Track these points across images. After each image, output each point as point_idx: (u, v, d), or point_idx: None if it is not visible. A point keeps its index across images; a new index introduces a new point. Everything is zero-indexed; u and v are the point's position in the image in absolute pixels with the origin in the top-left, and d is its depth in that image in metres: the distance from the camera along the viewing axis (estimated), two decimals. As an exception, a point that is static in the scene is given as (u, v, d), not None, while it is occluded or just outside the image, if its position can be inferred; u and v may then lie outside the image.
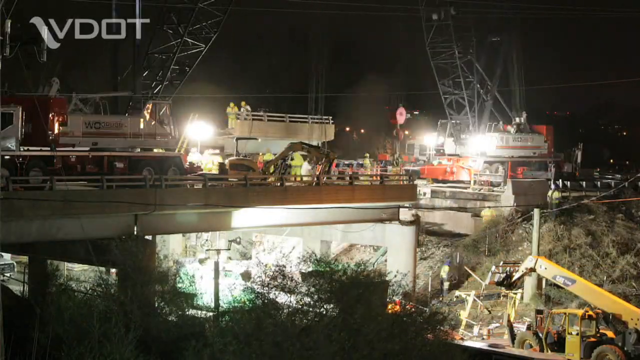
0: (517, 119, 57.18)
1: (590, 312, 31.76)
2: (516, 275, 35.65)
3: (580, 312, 31.99)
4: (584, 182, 53.44)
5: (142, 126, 35.30)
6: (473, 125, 54.58)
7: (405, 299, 25.72)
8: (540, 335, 32.09)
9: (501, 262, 37.43)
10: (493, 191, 49.87)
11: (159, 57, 40.00)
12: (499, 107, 57.55)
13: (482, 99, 55.31)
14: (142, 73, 39.18)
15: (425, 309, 25.70)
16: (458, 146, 55.12)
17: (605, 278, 37.88)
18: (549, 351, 31.80)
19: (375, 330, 21.67)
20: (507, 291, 36.38)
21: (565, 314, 32.28)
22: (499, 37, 55.69)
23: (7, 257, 40.66)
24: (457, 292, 38.71)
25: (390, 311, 24.79)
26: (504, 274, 35.69)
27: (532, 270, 35.30)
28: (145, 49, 39.38)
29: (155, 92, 38.86)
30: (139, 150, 35.13)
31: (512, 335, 33.05)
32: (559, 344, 31.77)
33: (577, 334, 31.16)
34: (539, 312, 33.65)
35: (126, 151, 34.35)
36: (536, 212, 38.72)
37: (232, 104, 53.62)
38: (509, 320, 33.98)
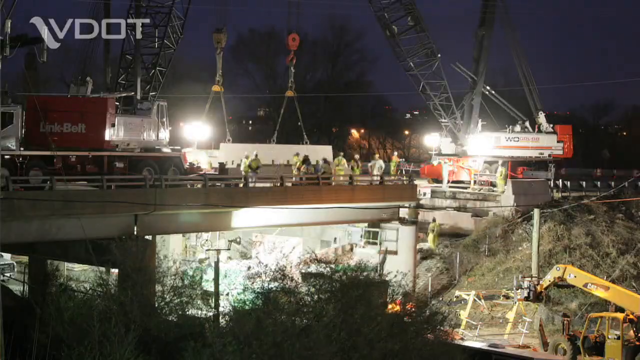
0: (521, 120, 56.93)
1: (632, 316, 31.04)
2: (545, 286, 35.29)
3: (621, 315, 31.22)
4: (584, 182, 53.49)
5: (143, 126, 35.30)
6: (462, 125, 54.33)
7: (405, 299, 25.67)
8: (576, 339, 31.53)
9: (520, 277, 36.95)
10: (493, 191, 49.89)
11: (132, 58, 40.82)
12: (517, 106, 57.27)
13: (470, 98, 54.95)
14: (120, 74, 40.01)
15: (425, 309, 25.64)
16: (457, 146, 54.99)
17: (605, 278, 37.85)
18: (587, 356, 31.36)
19: (375, 330, 21.67)
20: (536, 304, 36.14)
21: (607, 318, 31.57)
22: (484, 32, 55.12)
23: (7, 257, 40.65)
24: (457, 292, 38.71)
25: (390, 311, 24.78)
26: (527, 289, 35.35)
27: (561, 279, 34.78)
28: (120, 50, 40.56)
29: (146, 91, 39.30)
30: (138, 150, 35.13)
31: (544, 341, 32.73)
32: (596, 349, 31.27)
33: (618, 338, 30.54)
34: (565, 315, 33.44)
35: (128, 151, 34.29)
36: (536, 212, 38.70)
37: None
38: (540, 325, 33.73)
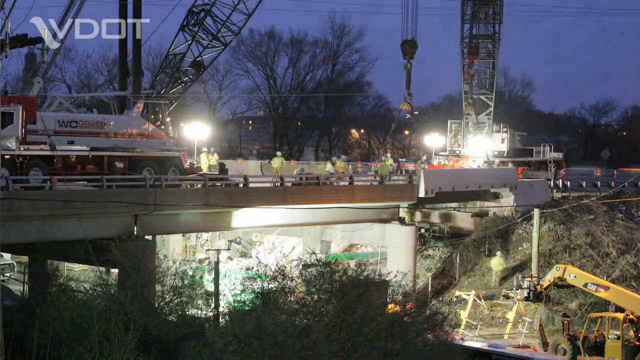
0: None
1: (632, 316, 30.93)
2: (545, 286, 35.29)
3: (621, 315, 31.12)
4: (584, 182, 53.48)
5: (129, 126, 35.19)
6: (489, 125, 54.64)
7: (405, 299, 25.65)
8: (576, 339, 31.45)
9: (520, 277, 36.90)
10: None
11: (177, 57, 39.92)
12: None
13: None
14: (159, 73, 39.55)
15: (425, 309, 25.63)
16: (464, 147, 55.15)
17: (605, 278, 37.84)
18: (587, 356, 31.26)
19: (375, 330, 21.66)
20: (536, 304, 36.16)
21: (607, 318, 31.46)
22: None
23: (7, 257, 40.65)
24: (457, 292, 38.70)
25: (390, 311, 24.76)
26: (527, 289, 35.39)
27: (561, 279, 34.82)
28: (167, 49, 39.93)
29: (163, 91, 38.69)
30: (140, 149, 35.07)
31: (544, 341, 32.65)
32: (596, 349, 31.17)
33: (618, 338, 30.43)
34: (565, 315, 33.42)
35: (110, 150, 34.04)
36: (536, 212, 38.68)
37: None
38: (540, 325, 33.69)
